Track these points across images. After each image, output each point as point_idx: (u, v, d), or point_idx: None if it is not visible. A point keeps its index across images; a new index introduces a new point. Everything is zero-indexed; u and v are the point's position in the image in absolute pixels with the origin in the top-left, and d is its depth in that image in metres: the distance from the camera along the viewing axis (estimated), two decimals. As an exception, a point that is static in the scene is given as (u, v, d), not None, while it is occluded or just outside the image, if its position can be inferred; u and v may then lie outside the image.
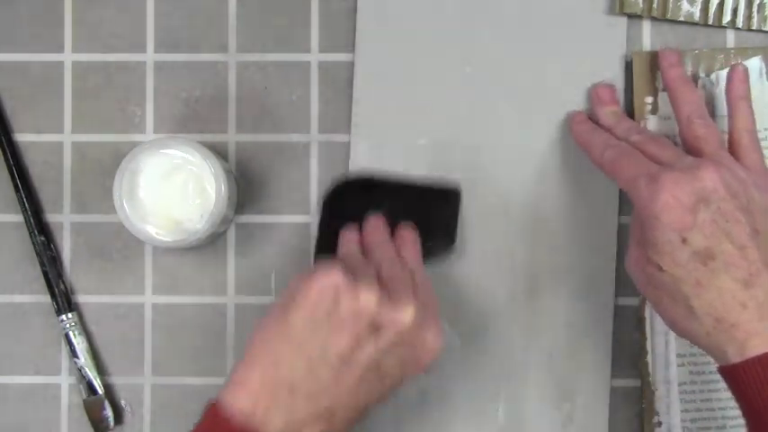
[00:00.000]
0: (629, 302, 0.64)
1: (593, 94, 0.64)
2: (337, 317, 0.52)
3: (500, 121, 0.65)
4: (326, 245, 0.62)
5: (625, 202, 0.64)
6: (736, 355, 0.51)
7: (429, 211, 0.63)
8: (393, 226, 0.61)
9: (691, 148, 0.58)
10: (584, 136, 0.62)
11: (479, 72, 0.65)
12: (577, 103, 0.65)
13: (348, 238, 0.60)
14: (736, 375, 0.52)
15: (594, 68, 0.65)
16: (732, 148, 0.59)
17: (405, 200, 0.63)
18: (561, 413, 0.64)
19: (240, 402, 0.51)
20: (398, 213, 0.61)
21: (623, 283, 0.64)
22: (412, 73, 0.65)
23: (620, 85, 0.65)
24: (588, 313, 0.64)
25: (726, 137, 0.60)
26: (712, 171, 0.53)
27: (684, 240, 0.53)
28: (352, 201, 0.63)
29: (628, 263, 0.57)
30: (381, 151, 0.65)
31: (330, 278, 0.52)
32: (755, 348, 0.51)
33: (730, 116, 0.60)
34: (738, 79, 0.60)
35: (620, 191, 0.64)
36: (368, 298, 0.52)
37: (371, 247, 0.59)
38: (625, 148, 0.58)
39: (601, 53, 0.65)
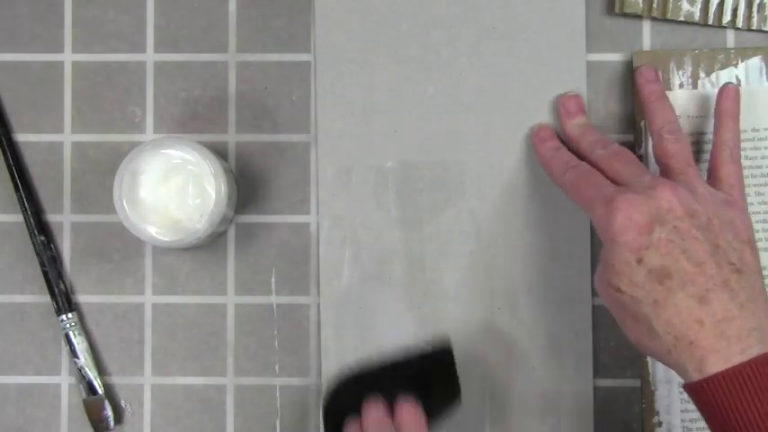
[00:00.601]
0: (629, 302, 0.65)
1: (560, 105, 0.64)
2: None
3: (466, 137, 0.65)
4: None
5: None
6: (696, 373, 0.51)
7: (427, 380, 0.62)
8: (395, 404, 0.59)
9: (660, 162, 0.59)
10: (546, 156, 0.62)
11: (442, 91, 0.65)
12: (543, 114, 0.65)
13: None
14: (697, 392, 0.52)
15: (558, 78, 0.65)
16: (711, 161, 0.60)
17: (400, 377, 0.62)
18: (547, 426, 0.64)
19: None
20: (397, 391, 0.59)
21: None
22: (374, 98, 0.65)
23: (583, 92, 0.65)
24: (567, 323, 0.64)
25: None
26: (668, 191, 0.54)
27: (640, 261, 0.53)
28: (351, 397, 0.60)
29: (594, 283, 0.57)
30: (349, 176, 0.65)
31: None
32: (714, 366, 0.51)
33: (715, 130, 0.60)
34: (727, 97, 0.61)
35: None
36: None
37: None
38: (584, 169, 0.59)
39: (563, 63, 0.65)
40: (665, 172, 0.58)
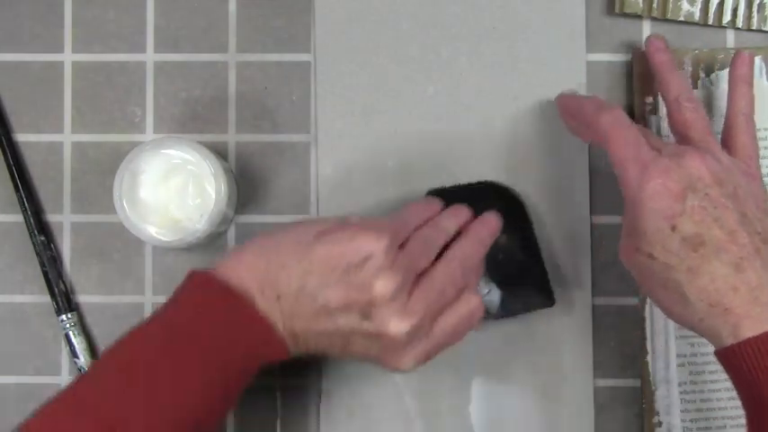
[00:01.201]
0: (629, 302, 0.64)
1: (559, 105, 0.63)
2: (349, 277, 0.52)
3: (466, 137, 0.65)
4: None
5: (597, 203, 0.65)
6: (730, 338, 0.52)
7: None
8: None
9: (678, 132, 0.58)
10: (572, 102, 0.61)
11: (442, 91, 0.65)
12: (543, 114, 0.65)
13: (415, 212, 0.58)
14: (729, 357, 0.52)
15: (558, 78, 0.65)
16: (726, 130, 0.59)
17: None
18: (547, 426, 0.64)
19: (235, 277, 0.52)
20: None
21: (621, 283, 0.64)
22: (374, 98, 0.65)
23: (584, 92, 0.65)
24: (567, 323, 0.64)
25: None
26: (697, 159, 0.54)
27: (674, 228, 0.53)
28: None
29: (621, 254, 0.57)
30: (349, 176, 0.65)
31: (376, 245, 0.52)
32: (748, 330, 0.51)
33: (729, 98, 0.60)
34: (742, 62, 0.60)
35: (591, 192, 0.65)
36: (384, 288, 0.52)
37: (428, 230, 0.57)
38: (620, 117, 0.56)
39: (563, 63, 0.65)
40: (685, 141, 0.58)
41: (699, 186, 0.53)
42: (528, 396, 0.64)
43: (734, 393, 0.52)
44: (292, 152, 0.66)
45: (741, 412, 0.52)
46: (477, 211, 0.59)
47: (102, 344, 0.66)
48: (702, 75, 0.64)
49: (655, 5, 0.64)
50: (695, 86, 0.64)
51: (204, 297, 0.52)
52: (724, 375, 0.53)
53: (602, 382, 0.65)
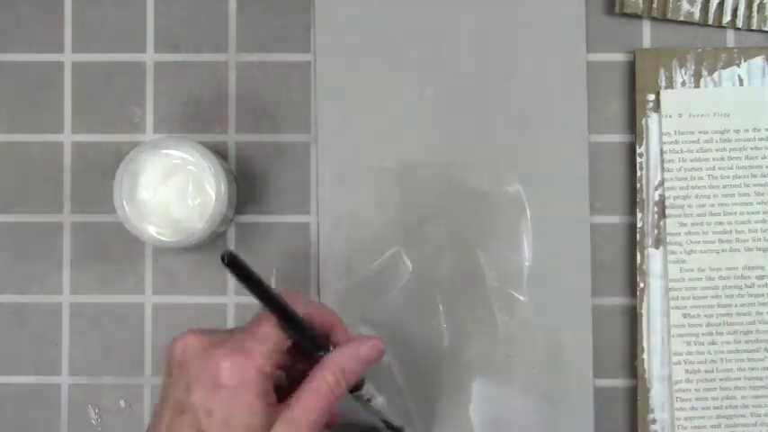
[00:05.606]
0: (629, 302, 0.64)
1: None
2: None
3: (466, 137, 0.65)
4: None
5: (597, 203, 0.65)
6: None
7: None
8: None
9: None
10: None
11: (442, 91, 0.65)
12: (543, 114, 0.65)
13: None
14: None
15: (558, 78, 0.65)
16: None
17: None
18: (547, 425, 0.64)
19: None
20: None
21: (621, 283, 0.64)
22: (374, 98, 0.65)
23: (582, 92, 0.65)
24: (567, 323, 0.64)
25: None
26: None
27: None
28: None
29: None
30: (349, 176, 0.65)
31: None
32: None
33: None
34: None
35: (591, 192, 0.64)
36: None
37: None
38: None
39: (563, 63, 0.65)
40: None
41: None
42: (528, 396, 0.64)
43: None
44: (292, 152, 0.66)
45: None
46: None
47: (103, 344, 0.66)
48: (705, 73, 0.64)
49: (655, 5, 0.64)
50: (697, 85, 0.64)
51: None
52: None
53: (602, 382, 0.65)
